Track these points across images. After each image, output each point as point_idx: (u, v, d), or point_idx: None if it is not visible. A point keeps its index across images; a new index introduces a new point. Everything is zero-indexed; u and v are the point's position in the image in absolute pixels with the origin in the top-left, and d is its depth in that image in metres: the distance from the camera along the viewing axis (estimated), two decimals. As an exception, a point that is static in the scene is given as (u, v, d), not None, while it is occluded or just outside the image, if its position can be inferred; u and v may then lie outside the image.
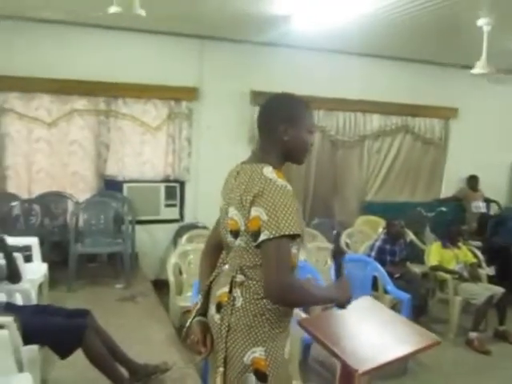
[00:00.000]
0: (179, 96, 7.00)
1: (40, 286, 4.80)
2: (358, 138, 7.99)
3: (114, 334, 3.82)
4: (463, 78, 7.22)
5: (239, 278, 2.03)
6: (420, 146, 8.47)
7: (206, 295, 2.21)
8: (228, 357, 2.00)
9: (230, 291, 2.03)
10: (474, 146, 8.43)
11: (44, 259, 5.40)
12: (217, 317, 2.06)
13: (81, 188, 6.81)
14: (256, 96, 7.13)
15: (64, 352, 3.41)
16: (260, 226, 1.87)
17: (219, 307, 2.06)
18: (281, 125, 2.06)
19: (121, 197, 6.87)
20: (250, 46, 7.07)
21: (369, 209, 7.92)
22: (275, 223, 1.85)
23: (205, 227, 6.73)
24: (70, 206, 6.67)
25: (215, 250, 2.30)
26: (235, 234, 2.03)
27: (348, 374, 2.28)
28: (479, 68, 5.56)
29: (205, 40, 6.94)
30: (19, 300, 4.05)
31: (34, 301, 4.24)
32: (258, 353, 1.97)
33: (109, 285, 6.14)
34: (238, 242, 2.02)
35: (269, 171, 1.96)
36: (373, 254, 5.86)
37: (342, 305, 2.12)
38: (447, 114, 8.45)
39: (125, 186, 6.96)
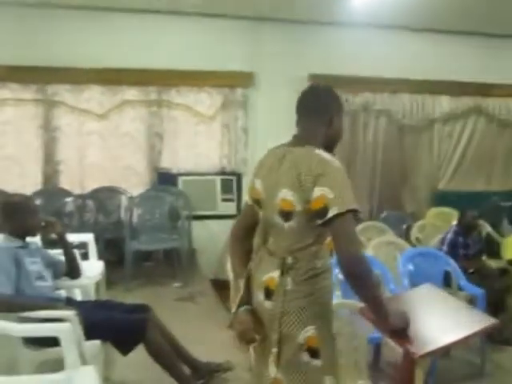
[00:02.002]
0: (234, 82, 6.80)
1: (97, 285, 4.74)
2: (427, 121, 7.64)
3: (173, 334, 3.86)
4: None
5: (289, 260, 2.12)
6: (495, 128, 8.01)
7: (247, 282, 2.28)
8: (282, 338, 2.13)
9: (282, 274, 2.12)
10: None
11: (99, 257, 5.32)
12: (267, 303, 2.16)
13: (134, 182, 6.71)
14: (314, 80, 6.78)
15: (126, 348, 3.43)
16: (327, 203, 1.97)
17: (268, 293, 2.16)
18: (331, 114, 2.23)
19: (176, 191, 6.72)
20: (306, 26, 6.85)
21: (441, 199, 7.60)
22: (342, 200, 1.97)
23: None
24: (124, 202, 6.59)
25: (247, 234, 2.40)
26: (287, 215, 2.10)
27: (408, 358, 2.37)
28: None
29: (259, 22, 6.74)
30: (78, 296, 4.10)
31: (92, 298, 4.26)
32: (310, 331, 2.12)
33: (166, 284, 6.11)
34: (291, 223, 2.10)
35: (324, 153, 2.09)
36: (444, 247, 5.58)
37: (386, 327, 2.21)
38: None
39: (180, 179, 6.81)
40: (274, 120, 6.87)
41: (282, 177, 2.13)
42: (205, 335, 4.68)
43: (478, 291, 4.86)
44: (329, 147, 2.22)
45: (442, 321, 2.57)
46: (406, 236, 6.50)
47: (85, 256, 5.10)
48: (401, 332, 2.22)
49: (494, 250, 6.33)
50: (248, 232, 2.39)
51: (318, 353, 2.14)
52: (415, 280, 4.86)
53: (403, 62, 7.21)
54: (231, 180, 7.02)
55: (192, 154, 6.86)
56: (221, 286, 5.80)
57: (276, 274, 2.14)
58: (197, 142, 6.87)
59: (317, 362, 2.15)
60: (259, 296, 2.20)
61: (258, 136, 6.94)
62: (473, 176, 8.07)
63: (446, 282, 5.16)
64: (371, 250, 5.54)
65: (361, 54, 6.95)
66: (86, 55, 6.21)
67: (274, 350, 2.14)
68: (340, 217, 1.96)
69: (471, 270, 5.40)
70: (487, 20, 6.84)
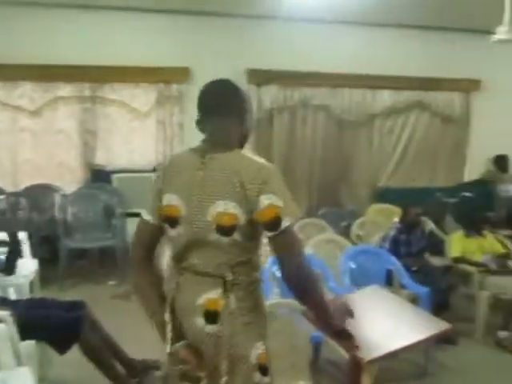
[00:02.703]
0: (169, 78, 6.78)
1: (31, 284, 4.70)
2: (367, 117, 7.63)
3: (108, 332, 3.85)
4: (486, 46, 6.47)
5: (230, 276, 1.96)
6: (438, 123, 8.02)
7: (172, 313, 2.07)
8: (234, 363, 1.98)
9: (224, 293, 1.97)
10: (501, 121, 7.85)
11: (33, 255, 5.27)
12: (210, 328, 1.98)
13: (68, 180, 6.73)
14: (253, 74, 6.89)
15: (62, 347, 3.42)
16: (278, 213, 1.88)
17: (210, 316, 1.98)
18: (244, 110, 2.11)
19: (110, 188, 6.72)
20: (243, 20, 6.85)
21: (382, 196, 7.58)
22: (291, 208, 1.92)
23: None
24: (58, 199, 6.55)
25: (151, 259, 2.18)
26: (228, 229, 1.93)
27: (355, 363, 2.33)
28: (501, 33, 5.11)
29: (194, 16, 6.72)
30: (13, 295, 4.08)
31: (27, 297, 4.21)
32: (260, 348, 2.03)
33: (101, 282, 6.14)
34: (233, 237, 1.94)
35: (256, 157, 1.98)
36: (386, 245, 5.58)
37: (332, 328, 2.11)
38: (468, 86, 7.95)
39: (114, 176, 6.78)
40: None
41: (216, 187, 1.95)
42: (140, 333, 4.59)
43: (422, 290, 4.89)
44: (243, 145, 2.15)
45: (391, 324, 2.54)
46: (345, 233, 6.47)
47: (18, 254, 5.18)
48: (346, 334, 2.15)
49: (437, 247, 6.30)
50: (152, 256, 2.18)
51: (267, 370, 2.06)
52: (357, 278, 4.89)
53: (342, 56, 7.18)
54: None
55: (127, 150, 6.87)
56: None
57: (216, 293, 1.97)
58: (132, 138, 6.89)
59: (266, 380, 2.06)
60: (197, 323, 2.00)
61: (194, 132, 6.80)
62: (416, 172, 8.07)
63: (389, 280, 5.20)
64: (311, 247, 5.51)
65: (299, 49, 6.94)
66: (18, 51, 6.17)
67: (224, 379, 1.97)
68: (291, 226, 1.92)
69: (414, 268, 5.43)
70: (431, 13, 6.82)
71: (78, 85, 6.52)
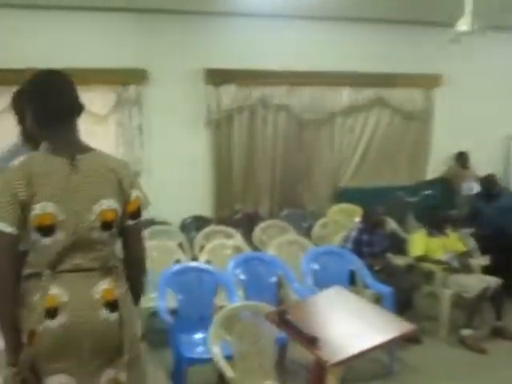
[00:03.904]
0: (126, 80, 6.69)
1: None
2: (327, 115, 7.58)
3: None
4: (446, 39, 6.15)
5: (112, 266, 2.19)
6: (400, 121, 8.02)
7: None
8: (132, 341, 2.21)
9: (113, 282, 2.16)
10: (463, 118, 7.90)
11: None
12: (113, 316, 2.13)
13: None
14: (211, 74, 6.84)
15: None
16: (140, 204, 2.24)
17: (111, 305, 2.13)
18: (81, 108, 2.27)
19: None
20: (199, 17, 6.79)
21: (343, 196, 7.59)
22: (146, 199, 2.29)
23: (165, 222, 6.56)
24: None
25: (17, 274, 2.10)
26: (109, 224, 2.15)
27: (320, 366, 2.41)
28: (462, 26, 5.09)
29: (149, 14, 6.65)
30: None
31: None
32: (139, 325, 2.38)
33: None
34: (112, 231, 2.17)
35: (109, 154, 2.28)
36: (348, 245, 5.69)
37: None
38: (429, 82, 7.97)
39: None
40: (169, 116, 6.86)
41: (97, 187, 2.12)
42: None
43: (385, 289, 4.99)
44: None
45: (355, 325, 2.59)
46: (307, 234, 6.53)
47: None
48: (311, 337, 2.23)
49: (399, 246, 6.39)
50: (18, 271, 2.10)
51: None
52: (320, 279, 4.99)
53: (301, 53, 7.18)
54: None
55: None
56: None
57: (107, 283, 2.14)
58: (91, 143, 6.67)
59: (142, 348, 2.38)
60: (100, 314, 2.10)
61: (154, 134, 6.87)
62: (377, 171, 8.07)
63: (352, 280, 5.32)
64: (273, 249, 5.64)
65: (257, 47, 6.94)
66: None
67: (126, 357, 2.17)
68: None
69: (377, 268, 5.56)
70: (389, 7, 6.80)
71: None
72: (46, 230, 2.05)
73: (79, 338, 2.08)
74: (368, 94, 7.76)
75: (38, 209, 2.01)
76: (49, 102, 2.14)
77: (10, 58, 6.02)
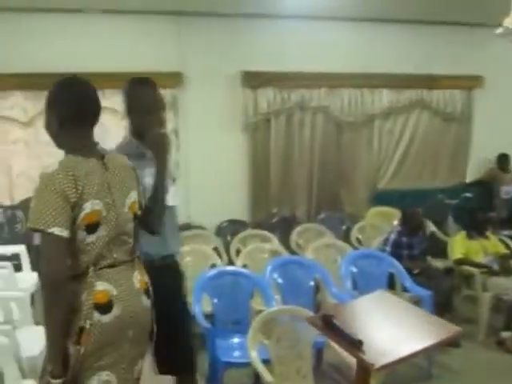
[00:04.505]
0: (161, 83, 6.61)
1: (32, 297, 4.75)
2: (366, 117, 7.57)
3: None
4: (488, 40, 6.46)
5: (137, 257, 2.39)
6: (439, 122, 7.96)
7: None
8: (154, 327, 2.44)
9: (141, 272, 2.38)
10: (505, 119, 7.85)
11: (33, 268, 5.41)
12: (148, 302, 2.38)
13: None
14: (248, 77, 6.89)
15: None
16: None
17: (148, 293, 2.38)
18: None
19: None
20: (236, 19, 6.82)
21: (382, 198, 7.58)
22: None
23: (200, 226, 6.58)
24: None
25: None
26: (136, 216, 2.40)
27: (364, 369, 2.31)
28: (507, 25, 4.79)
29: (185, 17, 6.69)
30: (15, 309, 4.15)
31: (29, 310, 4.30)
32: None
33: None
34: (135, 223, 2.40)
35: None
36: (387, 248, 5.67)
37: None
38: (470, 83, 7.87)
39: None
40: (206, 120, 6.94)
41: (125, 181, 2.36)
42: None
43: (425, 292, 4.94)
44: None
45: (400, 329, 2.56)
46: (345, 238, 6.55)
47: (18, 267, 5.25)
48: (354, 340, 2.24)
49: (439, 249, 6.45)
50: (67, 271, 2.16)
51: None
52: (358, 283, 5.04)
53: (340, 55, 7.16)
54: (166, 184, 6.98)
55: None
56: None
57: (139, 273, 2.36)
58: None
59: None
60: (143, 302, 2.35)
61: (190, 138, 6.91)
62: (416, 173, 8.04)
63: (391, 283, 5.28)
64: (310, 252, 5.64)
65: (294, 49, 6.92)
66: (6, 60, 6.17)
67: (152, 344, 2.48)
68: None
69: (416, 271, 5.54)
70: (429, 7, 6.77)
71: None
72: (92, 227, 2.18)
73: (126, 328, 2.23)
74: (408, 95, 7.74)
75: (88, 207, 2.14)
76: (83, 108, 2.29)
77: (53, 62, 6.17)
